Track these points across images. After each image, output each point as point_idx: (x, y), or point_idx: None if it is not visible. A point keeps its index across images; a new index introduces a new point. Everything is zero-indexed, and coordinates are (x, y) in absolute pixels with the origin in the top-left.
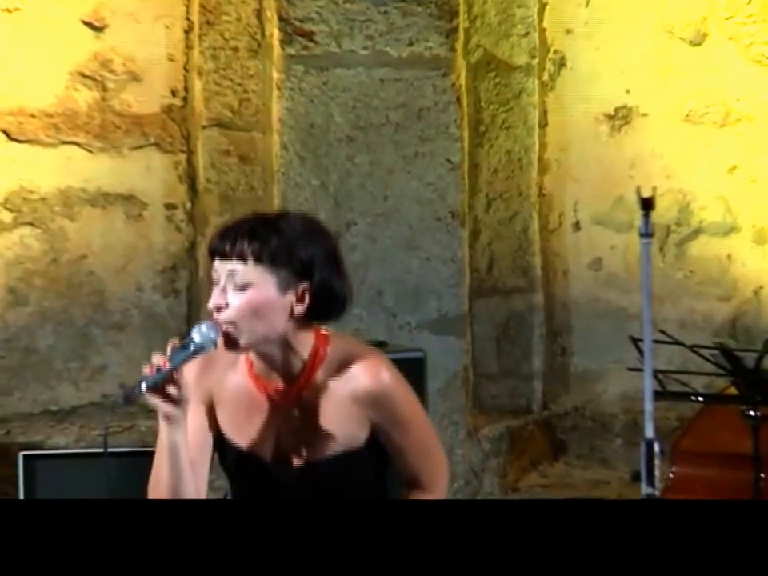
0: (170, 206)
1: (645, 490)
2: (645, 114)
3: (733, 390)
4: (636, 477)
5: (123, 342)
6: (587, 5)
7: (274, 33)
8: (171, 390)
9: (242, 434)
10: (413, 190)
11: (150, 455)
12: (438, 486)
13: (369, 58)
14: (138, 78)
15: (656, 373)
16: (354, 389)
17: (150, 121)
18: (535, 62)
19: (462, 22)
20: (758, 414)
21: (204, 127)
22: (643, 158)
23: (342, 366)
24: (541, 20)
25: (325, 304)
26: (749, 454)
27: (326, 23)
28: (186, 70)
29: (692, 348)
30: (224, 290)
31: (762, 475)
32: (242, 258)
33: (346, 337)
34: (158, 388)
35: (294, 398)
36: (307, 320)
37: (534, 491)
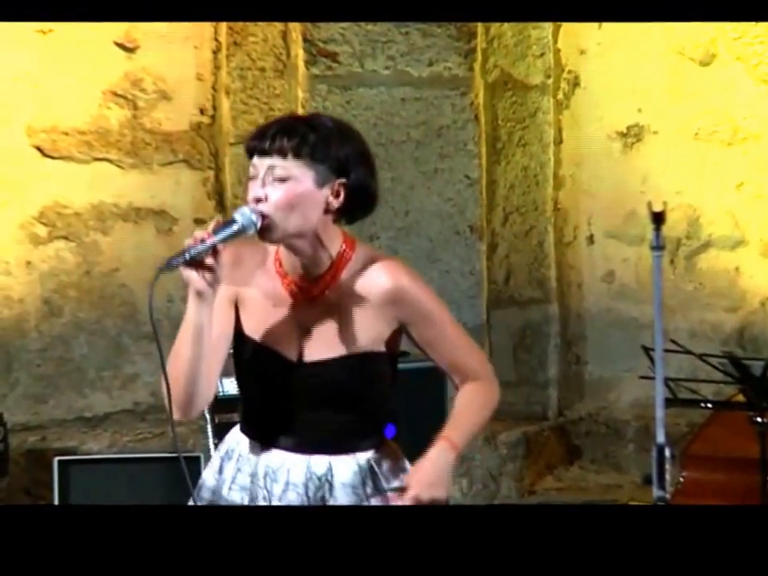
0: (198, 221)
1: (656, 493)
2: (656, 132)
3: (741, 397)
4: (647, 481)
5: (154, 352)
6: (600, 27)
7: (299, 54)
8: (210, 263)
9: (263, 330)
10: (433, 204)
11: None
12: (484, 370)
13: (390, 77)
14: (168, 96)
15: (667, 381)
16: (377, 288)
17: (179, 138)
18: (550, 81)
19: (480, 43)
20: (765, 420)
21: (231, 144)
22: (654, 174)
23: (365, 267)
24: (555, 41)
25: (358, 201)
26: (756, 458)
27: (349, 44)
28: (214, 89)
29: (701, 357)
30: (263, 184)
31: None
32: (282, 153)
33: (368, 245)
34: (198, 261)
35: (319, 296)
36: (338, 218)
37: (550, 494)
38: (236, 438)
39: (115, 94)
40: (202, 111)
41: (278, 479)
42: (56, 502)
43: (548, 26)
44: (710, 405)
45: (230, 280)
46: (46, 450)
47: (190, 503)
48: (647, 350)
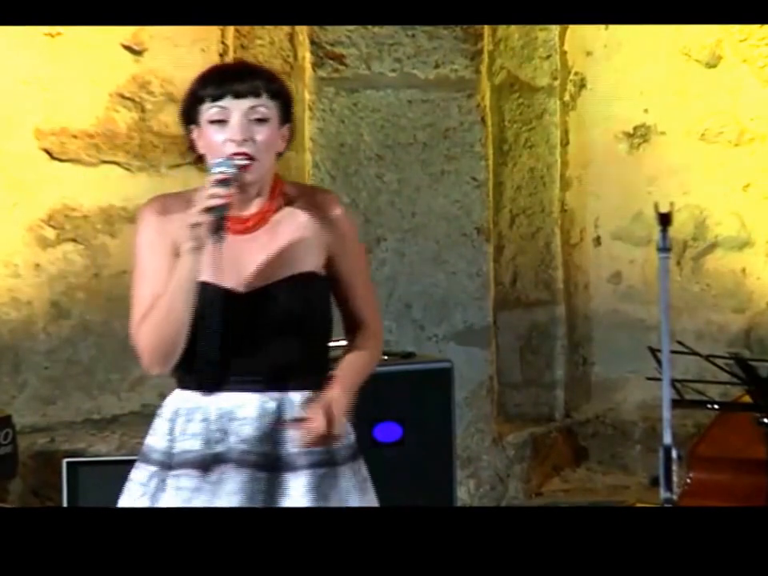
0: None
1: (663, 494)
2: (662, 133)
3: (747, 399)
4: (654, 482)
5: None
6: (606, 28)
7: (306, 56)
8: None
9: (204, 271)
10: (439, 206)
11: None
12: (379, 326)
13: (397, 79)
14: (176, 99)
15: (673, 382)
16: (314, 214)
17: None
18: (557, 83)
19: (487, 45)
20: None
21: None
22: (661, 175)
23: (300, 197)
24: (562, 43)
25: (287, 146)
26: (763, 459)
27: (355, 47)
28: None
29: (708, 358)
30: (241, 124)
31: None
32: (257, 93)
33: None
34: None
35: (254, 227)
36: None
37: (557, 496)
38: (177, 397)
39: (123, 97)
40: None
41: (234, 418)
42: (64, 504)
43: (555, 28)
44: (716, 406)
45: (165, 231)
46: (55, 451)
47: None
48: (654, 352)
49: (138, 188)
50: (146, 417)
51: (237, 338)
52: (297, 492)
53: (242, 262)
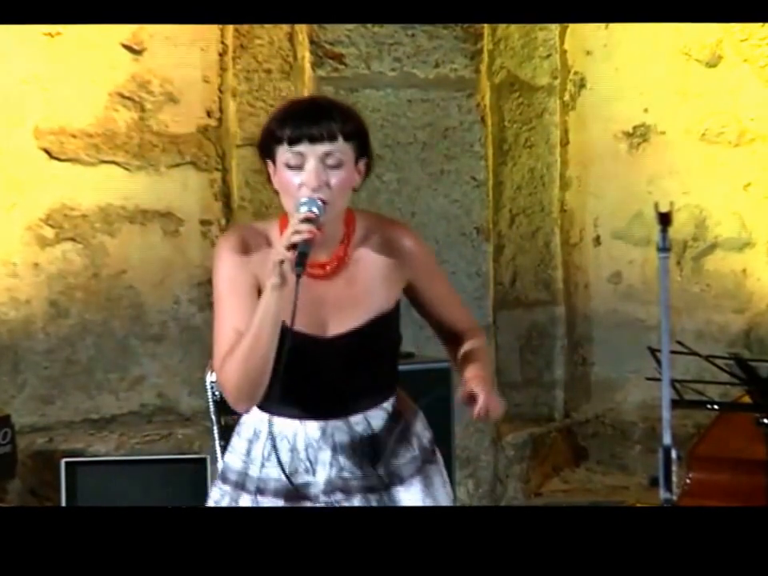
0: (205, 223)
1: (663, 495)
2: (662, 133)
3: (747, 399)
4: (654, 482)
5: (161, 354)
6: (606, 27)
7: (306, 55)
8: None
9: (283, 312)
10: (439, 206)
11: (187, 462)
12: (476, 324)
13: (397, 79)
14: (175, 99)
15: (673, 382)
16: (389, 251)
17: (186, 140)
18: (557, 82)
19: (487, 44)
20: None
21: (238, 146)
22: (661, 175)
23: (372, 234)
24: (562, 42)
25: (365, 179)
26: (763, 459)
27: (355, 46)
28: (220, 91)
29: (708, 358)
30: (317, 170)
31: None
32: (332, 137)
33: (360, 210)
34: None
35: (334, 270)
36: None
37: (556, 496)
38: (258, 419)
39: (122, 96)
40: (208, 113)
41: (324, 446)
42: (63, 504)
43: (554, 28)
44: (716, 406)
45: (246, 269)
46: (53, 451)
47: (212, 500)
48: (654, 352)
49: (137, 187)
50: (144, 417)
51: (319, 377)
52: (413, 500)
53: (322, 307)
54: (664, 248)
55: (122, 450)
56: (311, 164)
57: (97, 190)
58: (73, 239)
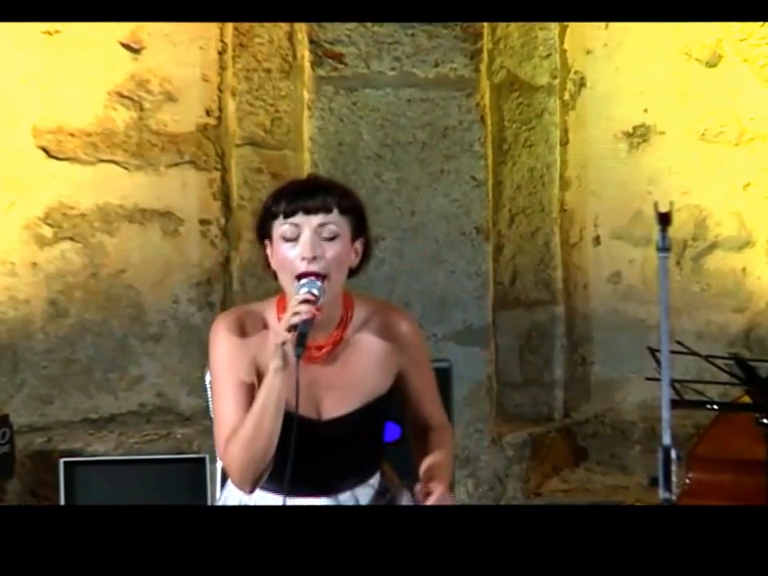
0: (204, 222)
1: (662, 495)
2: (662, 133)
3: (747, 399)
4: (654, 482)
5: (160, 353)
6: (606, 27)
7: (305, 55)
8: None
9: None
10: (439, 205)
11: (186, 461)
12: (445, 419)
13: (396, 78)
14: (174, 98)
15: (673, 382)
16: (386, 336)
17: (185, 139)
18: (556, 82)
19: (486, 43)
20: None
21: (237, 146)
22: (661, 175)
23: (370, 318)
24: (562, 42)
25: (363, 261)
26: (762, 460)
27: (355, 45)
28: (220, 90)
29: (707, 358)
30: (312, 240)
31: None
32: (328, 209)
33: (359, 294)
34: (306, 337)
35: (330, 353)
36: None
37: (556, 496)
38: (240, 494)
39: (121, 95)
40: (207, 112)
41: None
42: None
43: (554, 27)
44: (716, 406)
45: (244, 351)
46: (52, 451)
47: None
48: (653, 352)
49: (136, 187)
50: (143, 416)
51: (310, 458)
52: None
53: (317, 390)
54: (664, 248)
55: (121, 449)
56: (306, 234)
57: (95, 189)
58: (71, 238)
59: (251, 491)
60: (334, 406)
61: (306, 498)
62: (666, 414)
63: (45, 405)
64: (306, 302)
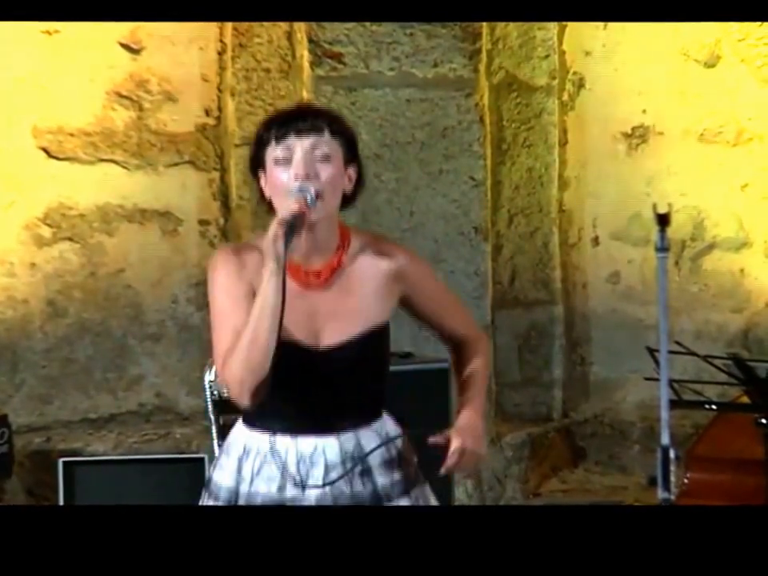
0: (203, 222)
1: (661, 494)
2: (661, 133)
3: (745, 399)
4: (652, 482)
5: (159, 353)
6: (605, 28)
7: (304, 55)
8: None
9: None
10: (438, 206)
11: (185, 461)
12: (476, 329)
13: (395, 78)
14: (173, 98)
15: (671, 382)
16: (383, 264)
17: (184, 139)
18: (555, 82)
19: (485, 44)
20: None
21: (237, 146)
22: (659, 176)
23: (367, 248)
24: (560, 42)
25: (357, 189)
26: (761, 459)
27: (354, 45)
28: (219, 90)
29: (706, 358)
30: (305, 159)
31: None
32: (320, 130)
33: (355, 227)
34: (296, 229)
35: (328, 280)
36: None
37: (555, 496)
38: (246, 435)
39: (120, 95)
40: (207, 112)
41: (316, 462)
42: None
43: (553, 28)
44: (714, 406)
45: (241, 276)
46: (51, 451)
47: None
48: (652, 352)
49: (136, 186)
50: (142, 416)
51: (311, 389)
52: None
53: (316, 317)
54: (662, 248)
55: (120, 449)
56: (299, 154)
57: (95, 189)
58: (70, 238)
59: (251, 404)
60: (333, 333)
61: (306, 435)
62: (664, 413)
63: (44, 405)
64: (297, 202)
